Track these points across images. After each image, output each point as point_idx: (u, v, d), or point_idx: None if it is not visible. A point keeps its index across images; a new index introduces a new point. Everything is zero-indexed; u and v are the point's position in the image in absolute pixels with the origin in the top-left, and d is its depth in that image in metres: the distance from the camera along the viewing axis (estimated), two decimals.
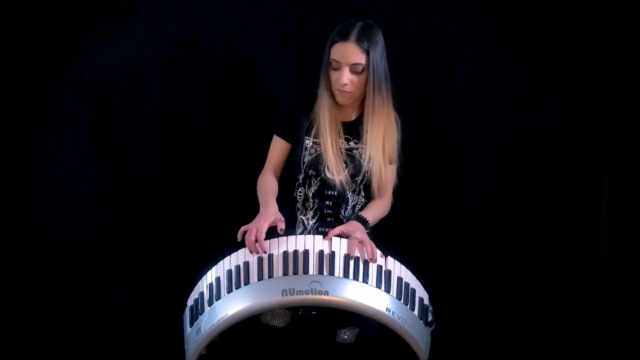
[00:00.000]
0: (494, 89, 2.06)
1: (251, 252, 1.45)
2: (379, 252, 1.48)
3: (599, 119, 2.06)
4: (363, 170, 1.73)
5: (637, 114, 2.01)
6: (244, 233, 1.48)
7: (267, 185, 1.71)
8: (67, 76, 1.97)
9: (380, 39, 1.63)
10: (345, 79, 1.60)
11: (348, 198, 1.77)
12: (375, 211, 1.74)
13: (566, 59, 2.02)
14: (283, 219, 1.53)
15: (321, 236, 1.47)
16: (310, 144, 1.73)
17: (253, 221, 1.51)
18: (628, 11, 1.95)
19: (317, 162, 1.73)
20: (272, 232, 1.49)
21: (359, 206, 1.80)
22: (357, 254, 1.46)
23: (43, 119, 1.99)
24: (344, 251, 1.46)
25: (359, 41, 1.58)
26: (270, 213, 1.53)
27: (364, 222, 1.62)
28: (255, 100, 2.07)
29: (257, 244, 1.44)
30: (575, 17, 1.98)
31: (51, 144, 2.01)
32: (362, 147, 1.73)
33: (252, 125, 2.07)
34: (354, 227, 1.55)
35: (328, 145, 1.69)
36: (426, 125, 2.08)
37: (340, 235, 1.51)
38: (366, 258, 1.45)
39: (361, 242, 1.48)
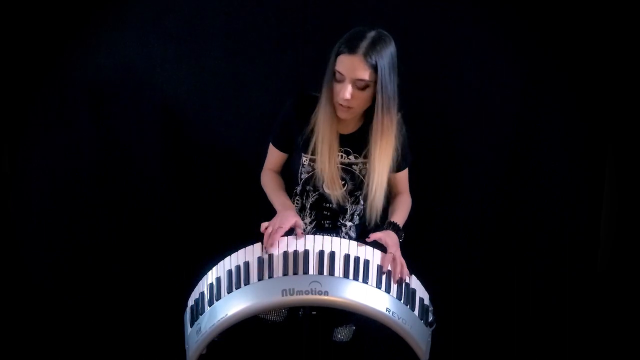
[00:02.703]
0: (495, 89, 2.06)
1: (265, 247, 1.45)
2: (406, 271, 1.50)
3: (599, 119, 2.06)
4: (364, 185, 1.65)
5: (637, 114, 2.01)
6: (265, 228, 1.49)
7: (274, 182, 1.71)
8: (67, 76, 1.97)
9: (391, 52, 1.51)
10: (348, 93, 1.47)
11: (347, 209, 1.73)
12: (404, 211, 1.73)
13: (567, 59, 2.02)
14: (302, 225, 1.55)
15: (321, 236, 1.48)
16: (307, 161, 1.66)
17: (273, 219, 1.52)
18: (628, 11, 1.95)
19: (315, 179, 1.66)
20: (288, 232, 1.50)
21: (358, 213, 1.75)
22: (389, 268, 1.48)
23: (43, 118, 1.99)
24: (345, 251, 1.46)
25: (366, 55, 1.45)
26: (290, 214, 1.54)
27: (398, 230, 1.63)
28: (255, 100, 2.07)
29: (270, 241, 1.45)
30: (576, 17, 1.98)
31: (51, 143, 2.01)
32: (362, 162, 1.65)
33: (252, 125, 2.07)
34: (391, 240, 1.55)
35: (325, 162, 1.60)
36: (426, 126, 2.07)
37: (372, 244, 1.52)
38: (396, 276, 1.47)
39: (394, 258, 1.49)
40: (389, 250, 1.52)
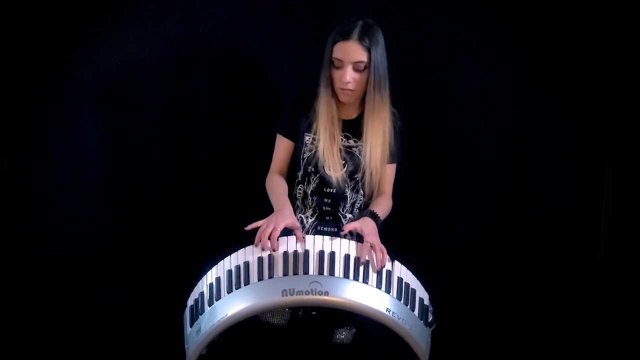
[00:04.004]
0: (495, 89, 2.06)
1: (262, 249, 1.45)
2: (386, 258, 1.49)
3: (599, 119, 2.06)
4: (362, 167, 1.74)
5: (637, 114, 2.01)
6: (255, 228, 1.49)
7: (278, 186, 1.73)
8: (68, 77, 1.97)
9: (380, 38, 1.63)
10: (349, 77, 1.61)
11: (347, 196, 1.78)
12: (383, 208, 1.75)
13: (567, 59, 2.02)
14: (300, 226, 1.57)
15: (321, 236, 1.47)
16: (310, 140, 1.74)
17: (268, 218, 1.52)
18: (628, 11, 1.95)
19: (316, 159, 1.73)
20: (285, 233, 1.50)
21: (358, 204, 1.81)
22: (367, 257, 1.47)
23: (43, 118, 1.99)
24: (345, 251, 1.46)
25: (361, 39, 1.59)
26: (286, 214, 1.55)
27: (375, 218, 1.63)
28: (255, 100, 2.07)
29: (269, 241, 1.44)
30: (576, 17, 1.98)
31: (51, 143, 2.01)
32: (361, 145, 1.74)
33: (252, 125, 2.07)
34: (368, 228, 1.56)
35: (326, 142, 1.69)
36: (426, 126, 2.08)
37: (351, 233, 1.53)
38: (375, 264, 1.46)
39: (372, 246, 1.49)
40: (365, 238, 1.51)
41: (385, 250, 1.50)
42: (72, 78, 1.97)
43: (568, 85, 2.05)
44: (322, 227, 1.77)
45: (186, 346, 1.48)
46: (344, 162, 1.74)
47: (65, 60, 1.96)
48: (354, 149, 1.75)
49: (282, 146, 1.80)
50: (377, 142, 1.71)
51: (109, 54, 1.97)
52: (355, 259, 1.45)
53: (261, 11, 2.00)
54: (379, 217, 1.66)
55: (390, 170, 1.81)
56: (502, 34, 2.03)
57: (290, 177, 1.80)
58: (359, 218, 1.65)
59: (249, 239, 1.50)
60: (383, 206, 1.75)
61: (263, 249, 1.45)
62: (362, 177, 1.76)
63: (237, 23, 2.00)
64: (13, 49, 1.90)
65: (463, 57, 2.04)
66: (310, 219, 1.78)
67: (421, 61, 2.04)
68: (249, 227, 1.50)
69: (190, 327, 1.46)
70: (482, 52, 2.04)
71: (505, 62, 2.04)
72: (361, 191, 1.79)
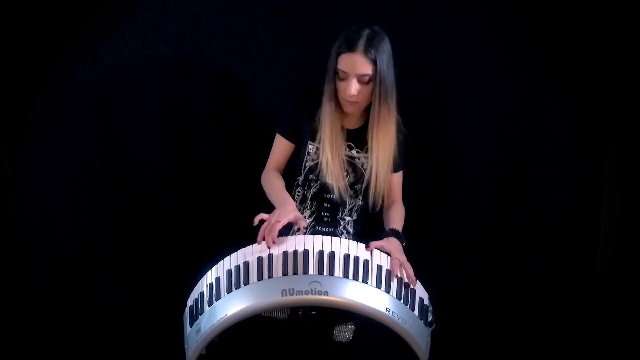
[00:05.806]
0: (495, 89, 2.06)
1: (259, 243, 1.45)
2: (413, 278, 1.50)
3: (599, 119, 2.06)
4: (364, 179, 1.73)
5: (637, 114, 2.01)
6: (261, 221, 1.48)
7: (276, 183, 1.71)
8: (68, 76, 1.97)
9: (387, 47, 1.60)
10: (354, 90, 1.57)
11: (346, 202, 1.77)
12: (401, 219, 1.74)
13: (567, 59, 2.02)
14: (304, 217, 1.55)
15: (321, 236, 1.47)
16: (314, 149, 1.72)
17: (272, 213, 1.51)
18: (628, 11, 1.95)
19: (319, 169, 1.71)
20: (288, 228, 1.50)
21: (357, 209, 1.80)
22: (398, 274, 1.47)
23: (43, 118, 1.99)
24: (345, 251, 1.46)
25: (366, 52, 1.55)
26: (289, 210, 1.53)
27: (400, 237, 1.62)
28: (255, 100, 2.07)
29: (270, 236, 1.44)
30: (576, 17, 1.98)
31: (51, 143, 2.01)
32: (364, 157, 1.73)
33: (252, 125, 2.07)
34: (394, 246, 1.55)
35: (330, 153, 1.66)
36: (426, 126, 2.08)
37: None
38: (406, 281, 1.46)
39: (402, 264, 1.49)
40: (393, 256, 1.51)
41: (411, 267, 1.50)
42: (72, 78, 1.97)
43: (568, 85, 2.05)
44: (320, 228, 1.77)
45: (186, 346, 1.48)
46: (346, 173, 1.72)
47: (65, 60, 1.96)
48: (356, 160, 1.73)
49: (282, 147, 1.77)
50: (383, 154, 1.68)
51: (109, 54, 1.97)
52: (355, 258, 1.45)
53: (261, 11, 2.00)
54: (402, 236, 1.64)
55: (398, 178, 1.80)
56: (502, 34, 2.03)
57: (289, 179, 1.80)
58: (383, 239, 1.61)
59: (248, 239, 1.50)
60: (400, 217, 1.75)
61: (268, 246, 1.44)
62: (364, 187, 1.74)
63: (237, 23, 2.00)
64: (13, 48, 1.90)
65: (463, 57, 2.04)
66: (309, 219, 1.78)
67: (421, 61, 2.04)
68: (257, 219, 1.49)
69: (190, 327, 1.46)
70: (482, 52, 2.04)
71: (505, 62, 2.04)
72: (360, 197, 1.78)
